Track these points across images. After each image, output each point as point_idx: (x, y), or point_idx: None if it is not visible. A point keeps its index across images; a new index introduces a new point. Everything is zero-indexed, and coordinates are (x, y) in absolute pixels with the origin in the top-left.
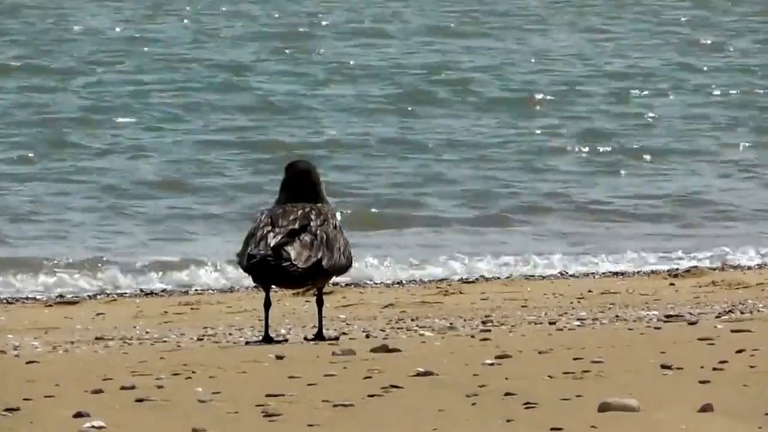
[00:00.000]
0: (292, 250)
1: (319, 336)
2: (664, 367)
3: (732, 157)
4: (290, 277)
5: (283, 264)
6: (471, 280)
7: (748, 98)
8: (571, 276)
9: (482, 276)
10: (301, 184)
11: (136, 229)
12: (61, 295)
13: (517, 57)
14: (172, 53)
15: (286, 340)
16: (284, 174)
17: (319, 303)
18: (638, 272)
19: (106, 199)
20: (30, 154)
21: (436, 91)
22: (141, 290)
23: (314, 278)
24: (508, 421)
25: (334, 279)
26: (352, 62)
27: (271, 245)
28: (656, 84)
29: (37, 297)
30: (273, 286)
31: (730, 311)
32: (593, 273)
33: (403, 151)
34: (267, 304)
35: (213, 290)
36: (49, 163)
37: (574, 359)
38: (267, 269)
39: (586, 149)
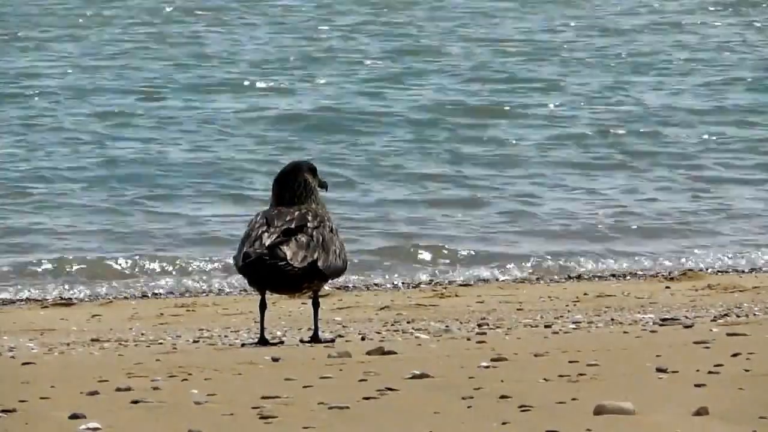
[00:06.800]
0: (287, 250)
1: (314, 338)
2: (659, 370)
3: None
4: (286, 276)
5: (279, 263)
6: (467, 282)
7: None
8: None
9: (479, 279)
10: (284, 188)
11: (133, 229)
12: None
13: None
14: None
15: (281, 343)
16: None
17: (315, 305)
18: (633, 275)
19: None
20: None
21: None
22: (137, 292)
23: (310, 280)
24: (503, 423)
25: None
26: None
27: (267, 244)
28: None
29: (33, 298)
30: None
31: (725, 314)
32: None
33: None
34: (263, 306)
35: (209, 292)
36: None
37: (570, 362)
38: (262, 268)
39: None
